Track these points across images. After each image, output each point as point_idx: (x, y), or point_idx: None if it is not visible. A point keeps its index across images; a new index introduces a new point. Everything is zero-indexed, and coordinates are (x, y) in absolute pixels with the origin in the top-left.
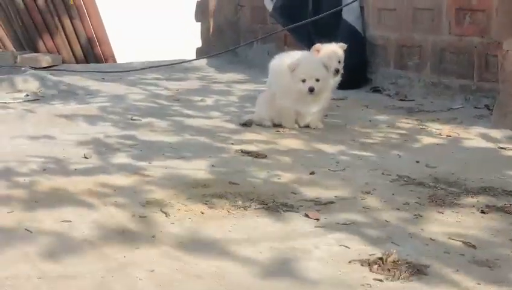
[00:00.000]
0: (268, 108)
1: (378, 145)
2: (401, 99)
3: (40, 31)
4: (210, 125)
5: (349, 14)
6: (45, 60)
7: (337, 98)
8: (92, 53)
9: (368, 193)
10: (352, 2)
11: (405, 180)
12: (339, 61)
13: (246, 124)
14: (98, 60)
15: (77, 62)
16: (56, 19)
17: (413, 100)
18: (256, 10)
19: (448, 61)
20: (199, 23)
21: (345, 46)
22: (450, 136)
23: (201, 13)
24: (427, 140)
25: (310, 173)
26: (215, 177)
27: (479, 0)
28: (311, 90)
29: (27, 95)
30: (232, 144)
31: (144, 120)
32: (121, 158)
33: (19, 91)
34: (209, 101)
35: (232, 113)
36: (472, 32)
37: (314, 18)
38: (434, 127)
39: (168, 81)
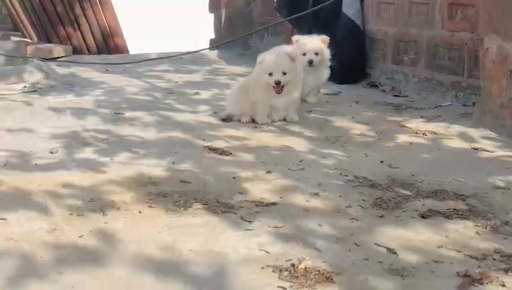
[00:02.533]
0: (240, 103)
1: (350, 143)
2: (395, 95)
3: (52, 22)
4: (193, 120)
5: (349, 7)
6: (56, 50)
7: (330, 93)
8: (105, 44)
9: (315, 194)
10: None
11: (360, 182)
12: (316, 53)
13: (226, 120)
14: (110, 51)
15: (90, 53)
16: (69, 9)
17: (406, 96)
18: (268, 2)
19: (441, 57)
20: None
21: (326, 38)
22: (426, 135)
23: (213, 5)
24: (402, 139)
25: (267, 172)
26: (168, 175)
27: None
28: (277, 83)
29: (24, 87)
30: (204, 139)
31: (129, 114)
32: (86, 153)
33: (18, 82)
34: (205, 94)
35: (221, 107)
36: (463, 27)
37: (311, 10)
38: (414, 125)
39: (174, 73)
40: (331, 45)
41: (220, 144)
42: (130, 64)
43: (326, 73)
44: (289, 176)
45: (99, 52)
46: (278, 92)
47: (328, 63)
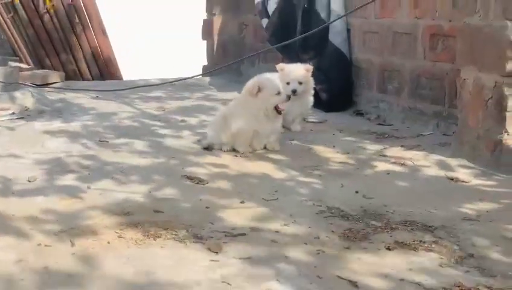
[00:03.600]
0: (221, 132)
1: (328, 172)
2: (379, 124)
3: (46, 49)
4: (175, 147)
5: (336, 36)
6: (49, 77)
7: (316, 121)
8: (98, 70)
9: (285, 225)
10: (335, 20)
11: (331, 213)
12: (300, 82)
13: (207, 148)
14: (104, 77)
15: (83, 79)
16: (63, 36)
17: (391, 125)
18: (260, 29)
19: (423, 86)
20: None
21: (310, 68)
22: (404, 164)
23: (206, 32)
24: (380, 168)
25: (241, 202)
26: (143, 204)
27: (450, 26)
28: (289, 98)
29: (13, 113)
30: (183, 168)
31: (115, 141)
32: (66, 180)
33: (6, 109)
34: (193, 121)
35: (205, 134)
36: (444, 58)
37: (296, 38)
38: (393, 154)
39: (165, 100)
40: (318, 73)
41: (199, 172)
42: (123, 91)
43: (310, 101)
44: (263, 206)
45: (93, 78)
46: (280, 112)
47: (312, 92)
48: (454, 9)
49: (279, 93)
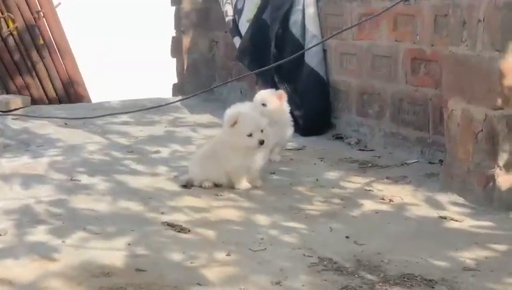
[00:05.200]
0: (204, 169)
1: (314, 213)
2: (360, 149)
3: (9, 70)
4: (151, 187)
5: (312, 58)
6: (12, 102)
7: (294, 148)
8: (65, 93)
9: (277, 283)
10: (314, 46)
11: (324, 265)
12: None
13: (186, 186)
14: (71, 100)
15: (49, 102)
16: (26, 57)
17: (372, 150)
18: (231, 47)
19: (405, 111)
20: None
21: (283, 94)
22: (392, 201)
23: (176, 49)
24: (367, 206)
25: (227, 255)
26: (123, 263)
27: (432, 51)
28: (261, 143)
29: None
30: (163, 213)
31: (85, 180)
32: (37, 234)
33: None
34: (165, 152)
35: (181, 168)
36: (427, 83)
37: (272, 65)
38: (380, 188)
39: (134, 126)
40: (294, 96)
41: (179, 218)
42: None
43: (289, 130)
44: (250, 259)
45: (60, 101)
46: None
47: (290, 119)
48: (435, 34)
49: (251, 135)
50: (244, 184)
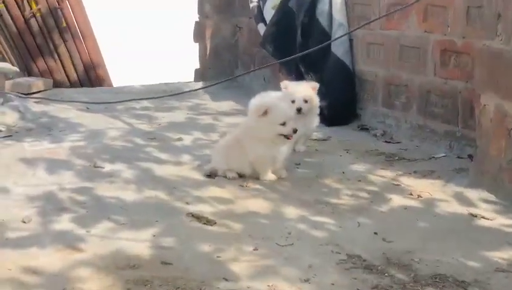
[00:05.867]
0: (228, 159)
1: (341, 208)
2: (386, 141)
3: (32, 54)
4: (176, 176)
5: (338, 47)
6: (35, 85)
7: (320, 139)
8: (87, 76)
9: (305, 281)
10: (342, 36)
11: (353, 263)
12: (306, 101)
13: (210, 176)
14: (93, 83)
15: (71, 86)
16: (49, 40)
17: (399, 143)
18: (254, 33)
19: (433, 104)
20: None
21: (316, 85)
22: (421, 196)
23: (199, 34)
24: (395, 201)
25: (254, 249)
26: (149, 255)
27: (464, 43)
28: (295, 131)
29: (0, 131)
30: (188, 203)
31: (109, 167)
32: (62, 223)
33: None
34: (188, 140)
35: (204, 157)
36: (457, 75)
37: (301, 53)
38: (408, 183)
39: (155, 111)
40: (320, 86)
41: (204, 209)
42: (111, 100)
43: (315, 121)
44: (277, 254)
45: (82, 84)
46: (288, 138)
47: (318, 111)
48: (467, 26)
49: (284, 123)
50: (269, 175)
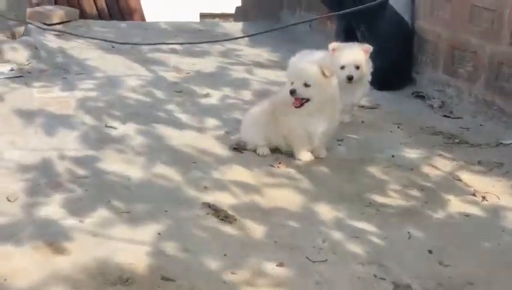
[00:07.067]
0: (259, 131)
1: (388, 209)
2: (445, 115)
3: None
4: (194, 147)
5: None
6: (56, 15)
7: (367, 106)
8: (118, 8)
9: None
10: None
11: None
12: (357, 67)
13: (237, 149)
14: (123, 15)
15: (100, 17)
16: None
17: (459, 118)
18: None
19: (505, 78)
20: None
21: (369, 48)
22: (486, 199)
23: None
24: (454, 205)
25: (277, 265)
26: (148, 265)
27: None
28: (292, 92)
29: (11, 70)
30: (205, 188)
31: (120, 129)
32: (52, 206)
33: (7, 62)
34: (215, 96)
35: (231, 123)
36: None
37: (356, 8)
38: (470, 179)
39: (183, 56)
40: (371, 42)
41: (224, 199)
42: (139, 38)
43: (365, 89)
44: (306, 274)
45: (111, 17)
46: (297, 106)
47: (369, 78)
48: None
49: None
50: (305, 154)
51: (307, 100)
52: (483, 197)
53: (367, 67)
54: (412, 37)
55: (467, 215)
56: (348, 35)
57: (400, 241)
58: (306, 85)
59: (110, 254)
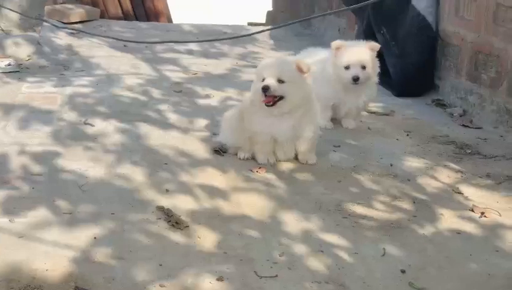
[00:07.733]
0: (237, 132)
1: (368, 222)
2: (464, 125)
3: None
4: (173, 148)
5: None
6: (74, 14)
7: (380, 112)
8: (143, 8)
9: None
10: None
11: None
12: (363, 67)
13: (218, 151)
14: (149, 17)
15: (124, 18)
16: None
17: (479, 128)
18: None
19: None
20: None
21: (376, 46)
22: (485, 215)
23: None
24: (447, 220)
25: (217, 279)
26: (64, 273)
27: None
28: (265, 89)
29: (9, 64)
30: (167, 191)
31: (100, 126)
32: None
33: (7, 57)
34: (217, 97)
35: None
36: None
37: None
38: (472, 192)
39: (198, 57)
40: (392, 45)
41: (183, 204)
42: (157, 38)
43: (372, 92)
44: None
45: (137, 18)
46: (267, 104)
47: (377, 79)
48: None
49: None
50: (264, 157)
51: (280, 98)
52: (482, 213)
53: (374, 67)
54: (436, 40)
55: (459, 232)
56: (368, 38)
57: (371, 258)
58: (280, 81)
59: (30, 258)
